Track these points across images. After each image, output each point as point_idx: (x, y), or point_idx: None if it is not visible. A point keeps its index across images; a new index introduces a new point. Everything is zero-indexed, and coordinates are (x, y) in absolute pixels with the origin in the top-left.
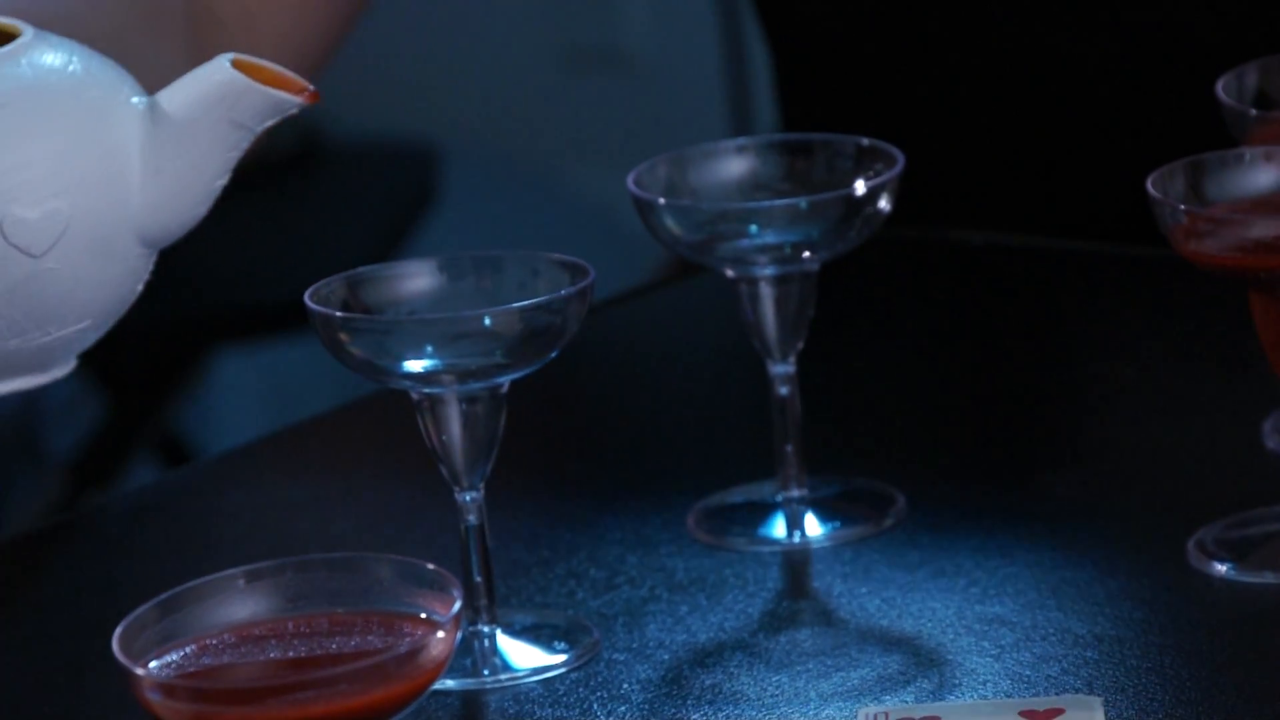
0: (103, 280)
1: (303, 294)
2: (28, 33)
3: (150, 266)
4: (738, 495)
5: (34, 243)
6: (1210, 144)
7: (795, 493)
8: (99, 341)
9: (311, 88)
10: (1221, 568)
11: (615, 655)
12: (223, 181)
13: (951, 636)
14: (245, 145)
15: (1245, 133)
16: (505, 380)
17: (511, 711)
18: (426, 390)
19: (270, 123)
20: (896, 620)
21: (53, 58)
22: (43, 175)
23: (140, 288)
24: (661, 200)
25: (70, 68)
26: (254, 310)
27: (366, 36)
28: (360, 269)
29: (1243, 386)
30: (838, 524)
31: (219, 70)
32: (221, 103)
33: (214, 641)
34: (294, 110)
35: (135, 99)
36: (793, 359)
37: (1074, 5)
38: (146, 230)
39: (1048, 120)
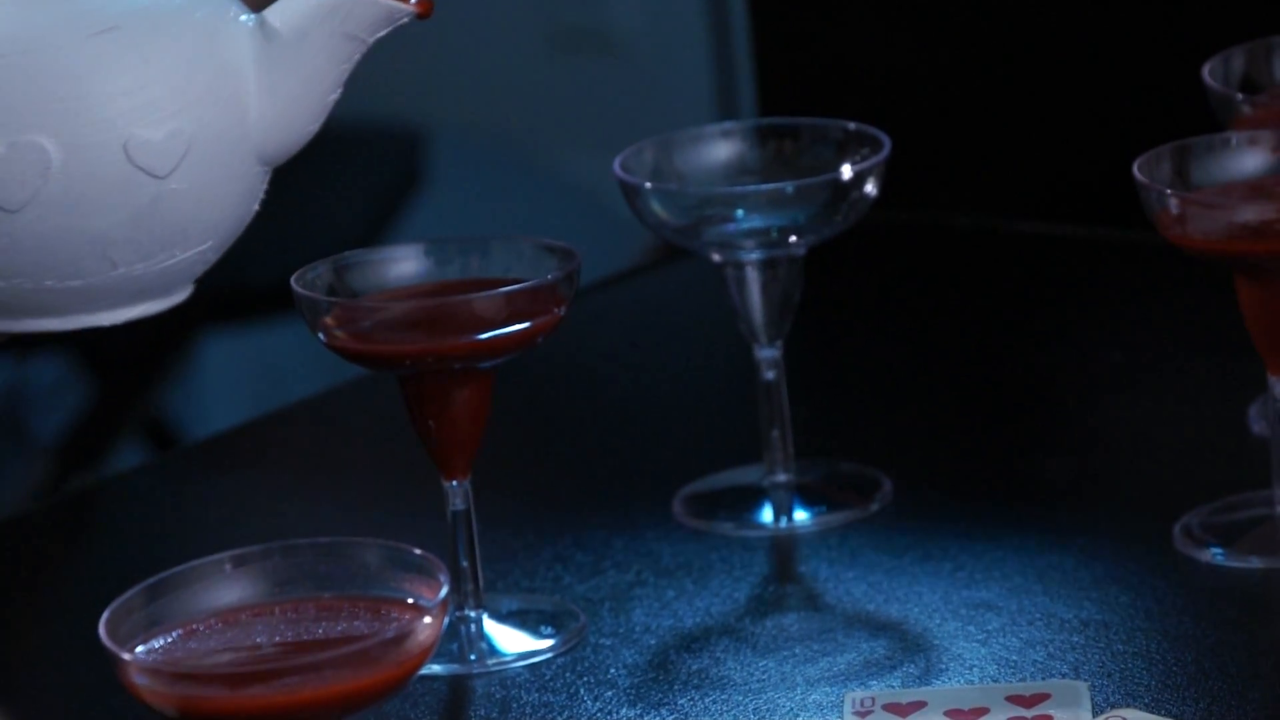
0: (224, 199)
1: (289, 277)
2: None
3: (265, 184)
4: (724, 480)
5: (159, 164)
6: (1196, 128)
7: (781, 477)
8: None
9: None
10: (1208, 552)
11: (602, 640)
12: (335, 95)
13: (938, 621)
14: (357, 58)
15: (1231, 117)
16: (489, 365)
17: (498, 696)
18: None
19: (382, 33)
20: (883, 605)
21: None
22: (162, 96)
23: (257, 206)
24: (648, 184)
25: None
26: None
27: None
28: (346, 253)
29: (1228, 371)
30: (824, 509)
31: None
32: (333, 16)
33: (200, 626)
34: (405, 20)
35: (244, 17)
36: (779, 343)
37: None
38: (264, 147)
39: (1034, 104)
